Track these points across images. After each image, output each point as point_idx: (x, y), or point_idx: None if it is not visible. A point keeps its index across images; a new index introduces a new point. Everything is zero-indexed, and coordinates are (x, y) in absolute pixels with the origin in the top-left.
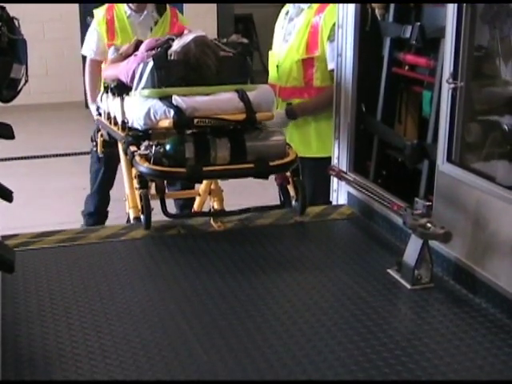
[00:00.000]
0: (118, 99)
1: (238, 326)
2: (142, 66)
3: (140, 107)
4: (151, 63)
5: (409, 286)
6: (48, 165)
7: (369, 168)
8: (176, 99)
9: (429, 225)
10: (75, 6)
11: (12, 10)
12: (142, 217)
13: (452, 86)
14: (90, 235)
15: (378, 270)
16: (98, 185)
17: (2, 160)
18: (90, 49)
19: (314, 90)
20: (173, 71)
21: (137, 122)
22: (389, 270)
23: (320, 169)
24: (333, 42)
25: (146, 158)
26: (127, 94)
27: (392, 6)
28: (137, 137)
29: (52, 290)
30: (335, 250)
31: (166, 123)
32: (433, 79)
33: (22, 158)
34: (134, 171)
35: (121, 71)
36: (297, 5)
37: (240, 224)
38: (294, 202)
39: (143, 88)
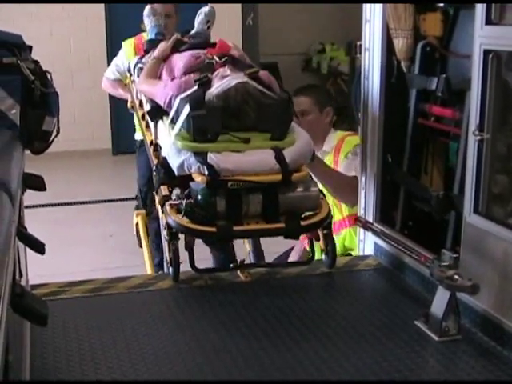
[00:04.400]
0: (152, 123)
1: (266, 379)
2: (178, 101)
3: (174, 158)
4: (187, 107)
5: (436, 338)
6: (75, 212)
7: (395, 219)
8: (211, 158)
9: (456, 277)
10: (104, 54)
11: (43, 60)
12: (170, 269)
13: (478, 137)
14: (118, 285)
15: (405, 322)
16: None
17: (30, 207)
18: (111, 71)
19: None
20: (210, 116)
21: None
22: (416, 322)
23: None
24: (347, 159)
25: (177, 209)
26: (162, 119)
27: (417, 58)
28: (169, 175)
29: (80, 341)
30: (362, 301)
31: (199, 179)
32: (459, 130)
33: (49, 205)
34: (164, 219)
35: (157, 94)
36: (321, 151)
37: (267, 274)
38: (323, 256)
39: (179, 129)
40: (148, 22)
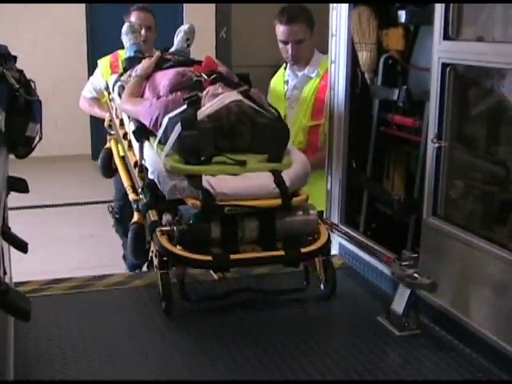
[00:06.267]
0: (136, 144)
1: (238, 375)
2: (167, 121)
3: (165, 181)
4: (179, 126)
5: (397, 333)
6: (56, 214)
7: (359, 221)
8: (206, 181)
9: (416, 275)
10: (84, 66)
11: (27, 70)
12: (162, 304)
13: (437, 145)
14: (97, 283)
15: (368, 318)
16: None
17: (14, 209)
18: (88, 90)
19: (316, 150)
20: (203, 137)
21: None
22: (378, 318)
23: None
24: None
25: (169, 235)
26: (148, 139)
27: (380, 70)
28: (156, 198)
29: (61, 337)
30: (328, 298)
31: (192, 202)
32: (419, 138)
33: (32, 207)
34: (154, 247)
35: (142, 113)
36: (301, 73)
37: (239, 273)
38: (322, 285)
39: (169, 150)
40: (126, 39)
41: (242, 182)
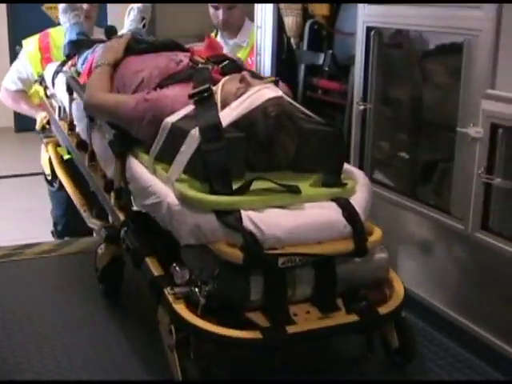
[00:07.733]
0: (112, 158)
1: None
2: (169, 127)
3: (180, 219)
4: (195, 137)
5: None
6: None
7: None
8: (248, 219)
9: None
10: (4, 36)
11: None
12: None
13: (362, 107)
14: (26, 251)
15: None
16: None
17: None
18: (11, 80)
19: None
20: (233, 152)
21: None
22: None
23: None
24: None
25: (187, 300)
26: (133, 152)
27: (306, 35)
28: (147, 236)
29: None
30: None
31: (227, 250)
32: (345, 102)
33: None
34: (164, 317)
35: (123, 115)
36: (232, 42)
37: None
38: (395, 357)
39: (184, 173)
40: (66, 19)
41: (299, 218)
